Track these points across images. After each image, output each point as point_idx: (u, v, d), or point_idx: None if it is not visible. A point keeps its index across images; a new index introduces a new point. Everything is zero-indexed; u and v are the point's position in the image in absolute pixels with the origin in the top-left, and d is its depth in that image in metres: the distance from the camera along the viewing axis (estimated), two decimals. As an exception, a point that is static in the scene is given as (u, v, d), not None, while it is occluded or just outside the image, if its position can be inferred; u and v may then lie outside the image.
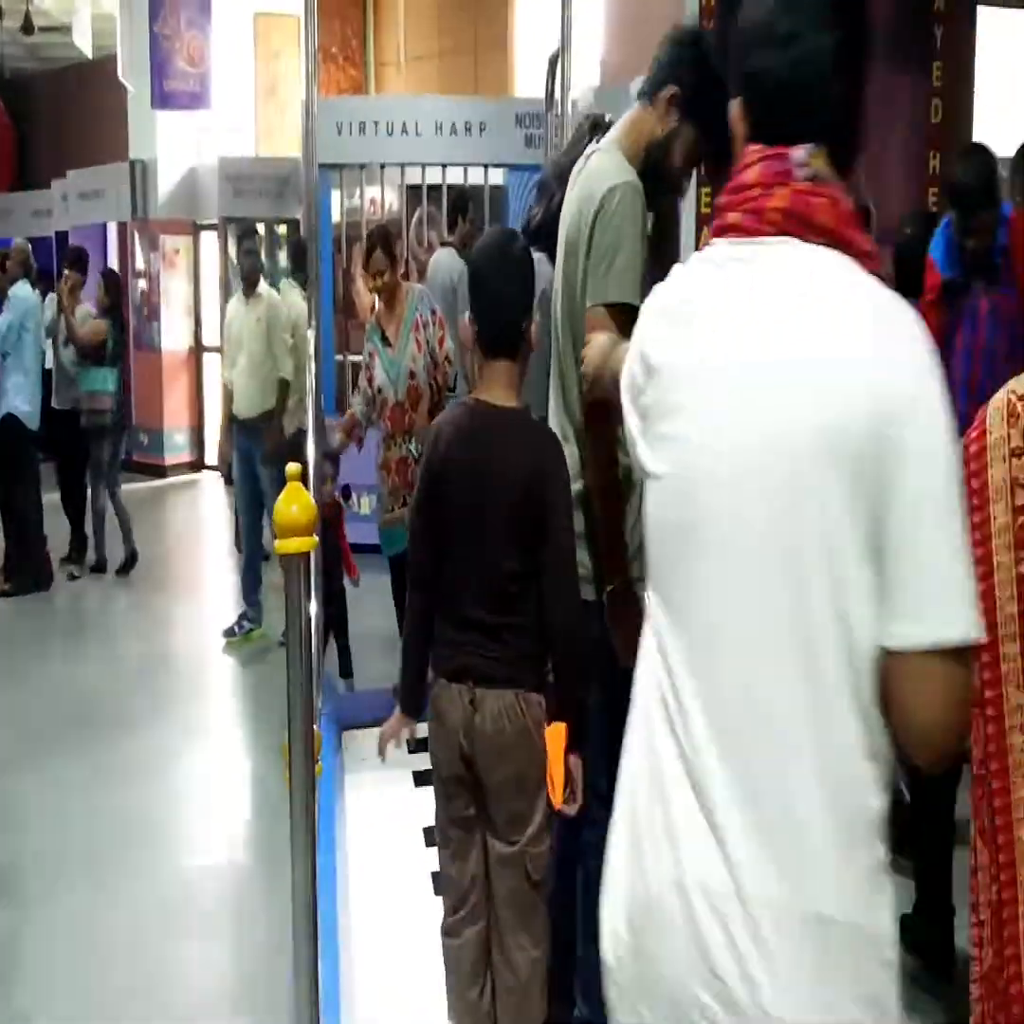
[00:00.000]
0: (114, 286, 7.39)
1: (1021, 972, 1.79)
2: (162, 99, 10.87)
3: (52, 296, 7.63)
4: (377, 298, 4.73)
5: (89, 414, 7.04)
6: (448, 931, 2.34)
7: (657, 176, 2.22)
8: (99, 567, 7.40)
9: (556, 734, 2.18)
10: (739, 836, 1.15)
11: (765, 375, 1.17)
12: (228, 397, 6.09)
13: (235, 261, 10.88)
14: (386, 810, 3.88)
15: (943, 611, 1.12)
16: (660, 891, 1.20)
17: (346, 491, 5.17)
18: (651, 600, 1.28)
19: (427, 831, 3.66)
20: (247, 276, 6.14)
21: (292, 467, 1.97)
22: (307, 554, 1.94)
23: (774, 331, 1.18)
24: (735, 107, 1.30)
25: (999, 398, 1.85)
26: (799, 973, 1.12)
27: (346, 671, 5.00)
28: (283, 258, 10.92)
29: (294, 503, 1.93)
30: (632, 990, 1.24)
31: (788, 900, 1.13)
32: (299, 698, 2.02)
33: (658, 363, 1.29)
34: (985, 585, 1.79)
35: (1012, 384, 1.86)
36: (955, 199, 3.52)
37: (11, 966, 3.22)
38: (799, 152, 1.22)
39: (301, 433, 5.16)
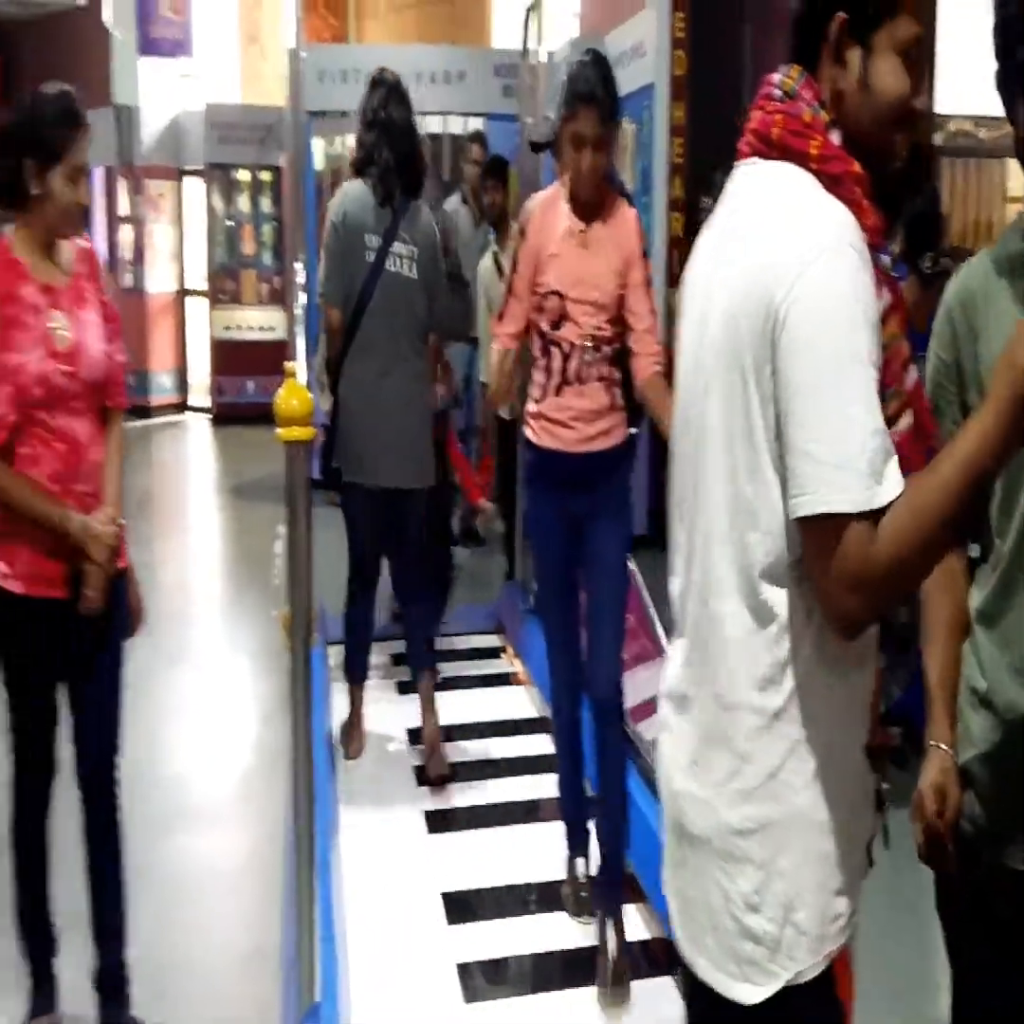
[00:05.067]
0: None
1: None
2: (146, 46, 10.95)
3: None
4: None
5: None
6: None
7: None
8: None
9: None
10: (685, 660, 1.41)
11: (709, 289, 1.32)
12: None
13: (218, 207, 11.10)
14: (373, 713, 4.17)
15: (810, 484, 1.18)
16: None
17: None
18: None
19: (411, 731, 3.99)
20: None
21: (289, 364, 2.25)
22: (308, 442, 2.23)
23: (719, 249, 1.33)
24: None
25: None
26: (696, 761, 1.36)
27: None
28: (266, 204, 11.15)
29: (293, 397, 2.21)
30: None
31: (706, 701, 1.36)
32: (300, 573, 2.29)
33: None
34: None
35: None
36: None
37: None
38: (777, 74, 1.34)
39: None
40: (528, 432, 2.94)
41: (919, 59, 1.29)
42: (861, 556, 1.17)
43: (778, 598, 1.28)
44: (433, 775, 3.66)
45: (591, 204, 2.84)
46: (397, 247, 3.61)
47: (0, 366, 2.30)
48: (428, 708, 3.78)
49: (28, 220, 2.39)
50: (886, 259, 1.31)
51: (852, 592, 1.18)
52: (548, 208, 2.87)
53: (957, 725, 1.59)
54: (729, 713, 1.32)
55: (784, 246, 1.23)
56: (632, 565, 3.52)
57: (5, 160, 2.36)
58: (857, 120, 1.31)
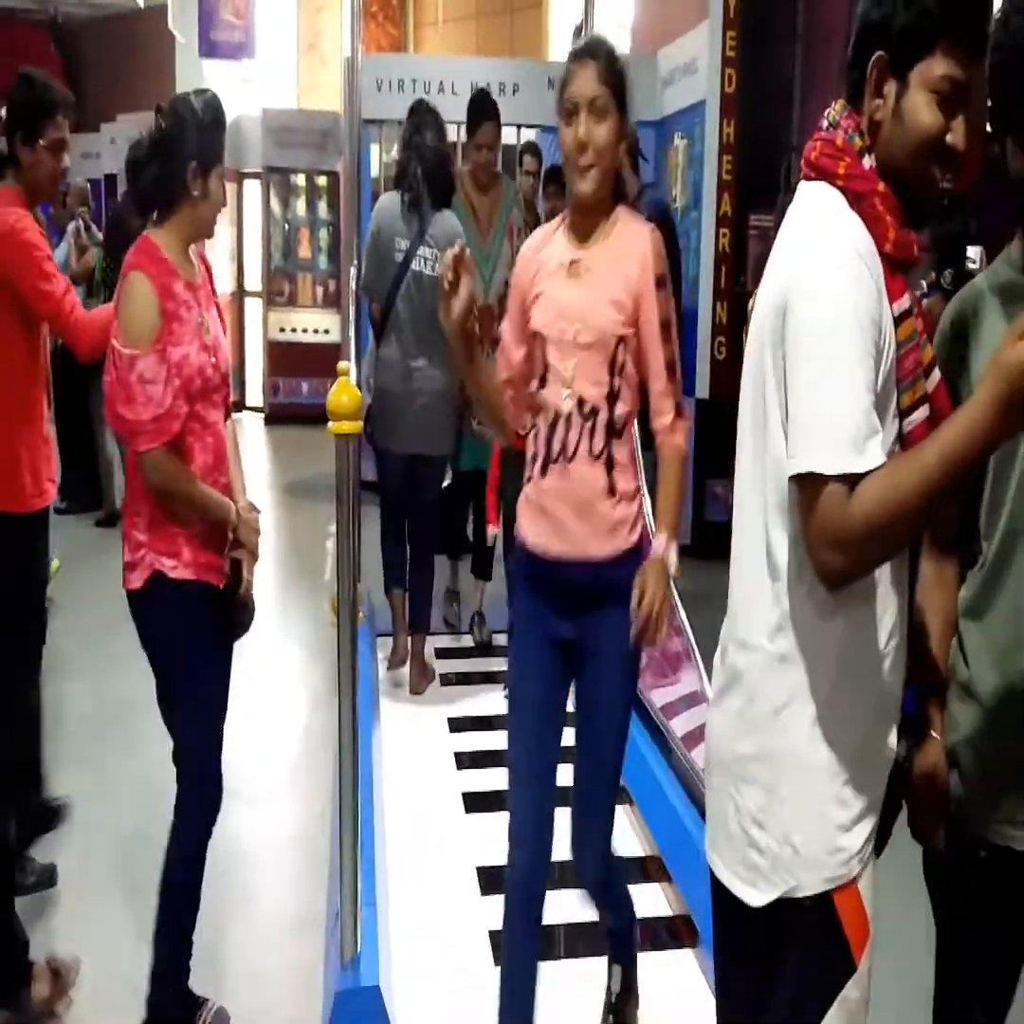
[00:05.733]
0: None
1: None
2: (208, 49, 11.24)
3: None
4: (465, 179, 4.72)
5: None
6: None
7: None
8: (109, 521, 6.89)
9: None
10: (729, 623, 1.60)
11: (759, 295, 1.54)
12: None
13: (276, 210, 11.37)
14: (414, 705, 4.37)
15: (798, 448, 1.36)
16: None
17: None
18: None
19: (451, 720, 4.18)
20: None
21: (342, 364, 2.45)
22: (356, 435, 2.42)
23: (769, 262, 1.51)
24: None
25: None
26: (722, 694, 1.58)
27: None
28: (322, 208, 11.40)
29: (344, 394, 2.40)
30: None
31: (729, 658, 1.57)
32: (346, 558, 2.48)
33: None
34: None
35: None
36: None
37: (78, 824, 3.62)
38: (829, 108, 1.51)
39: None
40: (519, 520, 2.32)
41: (954, 98, 1.42)
42: (838, 515, 1.32)
43: (784, 554, 1.46)
44: (414, 690, 4.38)
45: (593, 220, 2.23)
46: (423, 250, 4.21)
47: (168, 359, 2.36)
48: (416, 659, 4.39)
49: (178, 221, 2.46)
50: (923, 284, 1.47)
51: (830, 547, 1.34)
52: (543, 244, 2.31)
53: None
54: (745, 654, 1.52)
55: (799, 254, 1.43)
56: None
57: (168, 163, 2.41)
58: (890, 148, 1.46)
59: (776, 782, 1.49)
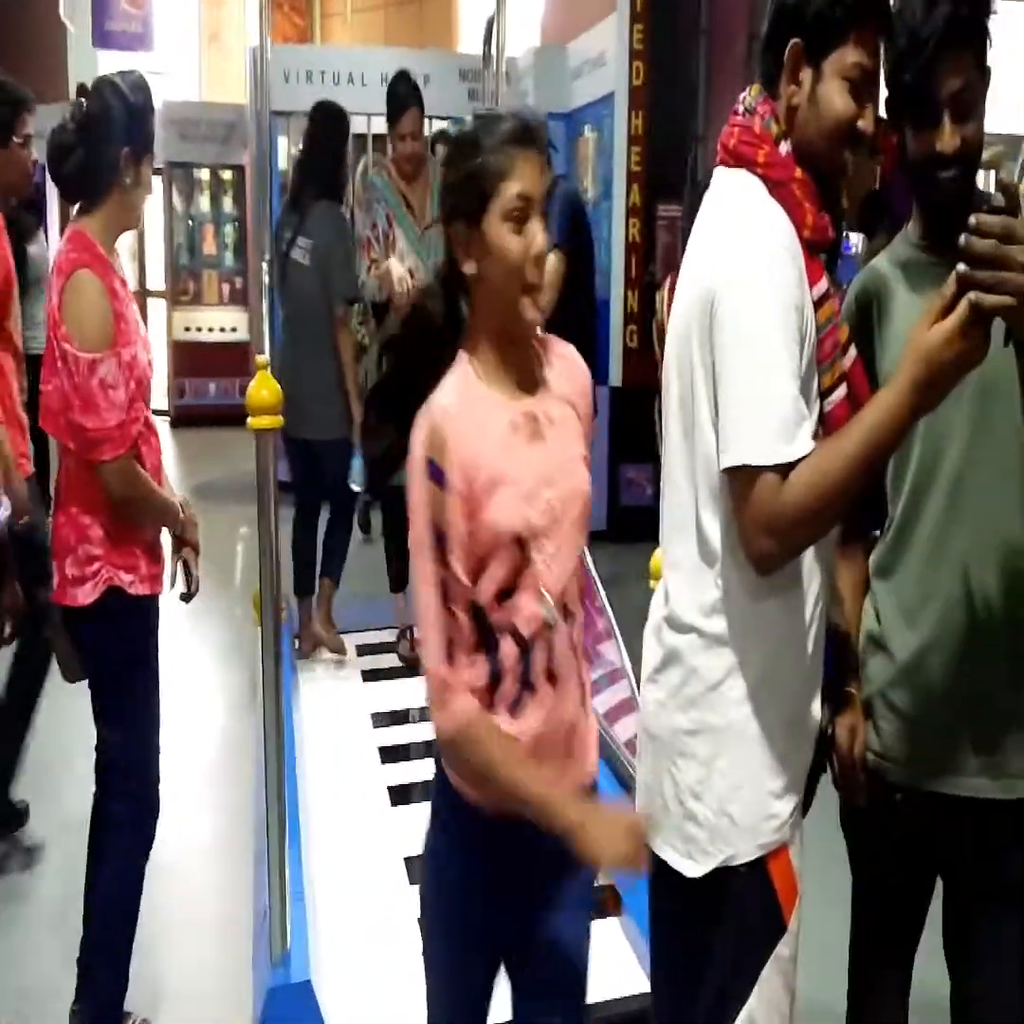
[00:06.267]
0: None
1: None
2: (103, 39, 10.88)
3: None
4: (391, 169, 4.38)
5: None
6: None
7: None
8: None
9: None
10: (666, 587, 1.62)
11: (682, 281, 1.54)
12: None
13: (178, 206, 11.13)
14: (339, 698, 4.34)
15: (730, 440, 1.40)
16: None
17: None
18: None
19: (374, 715, 4.14)
20: None
21: (260, 357, 2.40)
22: (274, 429, 2.38)
23: (690, 247, 1.55)
24: None
25: None
26: (658, 671, 1.60)
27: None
28: (228, 203, 11.20)
29: (264, 388, 2.37)
30: None
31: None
32: (268, 553, 2.44)
33: None
34: None
35: None
36: None
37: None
38: (744, 92, 1.55)
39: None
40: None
41: (865, 85, 1.48)
42: (770, 503, 1.37)
43: (717, 540, 1.49)
44: (329, 648, 4.60)
45: (526, 351, 1.60)
46: (300, 241, 4.43)
47: (122, 361, 2.27)
48: (323, 606, 4.61)
49: (108, 211, 2.33)
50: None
51: (764, 534, 1.39)
52: (460, 412, 1.51)
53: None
54: (681, 634, 1.55)
55: (723, 243, 1.47)
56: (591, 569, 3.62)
57: (97, 149, 2.26)
58: (806, 134, 1.51)
59: (714, 755, 1.52)
